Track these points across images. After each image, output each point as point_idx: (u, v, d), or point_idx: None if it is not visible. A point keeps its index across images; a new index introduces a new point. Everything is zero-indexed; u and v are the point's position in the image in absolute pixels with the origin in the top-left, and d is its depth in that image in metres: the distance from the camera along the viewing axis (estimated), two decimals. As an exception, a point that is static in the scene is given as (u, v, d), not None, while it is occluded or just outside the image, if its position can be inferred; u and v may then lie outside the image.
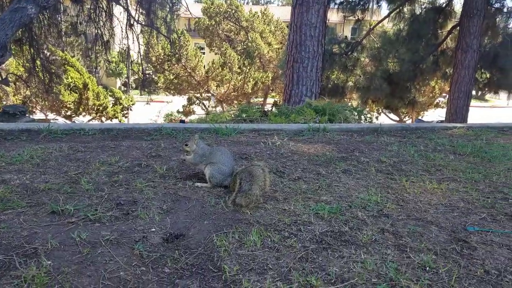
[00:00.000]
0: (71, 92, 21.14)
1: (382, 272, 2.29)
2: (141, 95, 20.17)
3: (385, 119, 22.16)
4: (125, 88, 33.83)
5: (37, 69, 12.50)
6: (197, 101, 24.70)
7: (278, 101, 21.60)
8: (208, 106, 24.78)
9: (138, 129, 5.54)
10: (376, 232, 2.77)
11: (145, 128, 5.58)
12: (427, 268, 2.33)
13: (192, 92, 24.38)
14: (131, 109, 24.94)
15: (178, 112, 22.65)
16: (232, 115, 8.34)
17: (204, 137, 5.32)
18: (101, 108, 21.74)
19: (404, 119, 22.41)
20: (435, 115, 24.83)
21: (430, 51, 13.72)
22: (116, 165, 3.93)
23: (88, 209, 2.89)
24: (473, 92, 13.84)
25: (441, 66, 14.16)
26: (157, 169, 3.87)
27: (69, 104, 21.02)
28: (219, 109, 23.26)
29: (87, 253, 2.35)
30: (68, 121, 22.54)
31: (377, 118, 20.67)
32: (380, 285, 2.16)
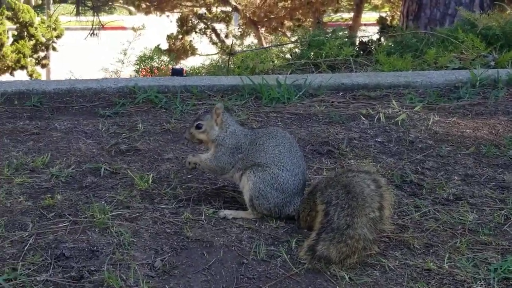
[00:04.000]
0: None
1: None
2: (77, 15, 20.59)
3: None
4: (40, 1, 35.01)
5: None
6: (201, 25, 24.75)
7: (389, 19, 21.11)
8: (227, 35, 24.75)
9: (85, 91, 5.76)
10: None
11: (99, 88, 5.79)
12: None
13: (189, 4, 24.45)
14: (54, 48, 25.72)
15: (157, 49, 22.70)
16: (289, 56, 8.33)
17: (232, 109, 5.40)
18: (-13, 47, 22.50)
19: None
20: None
21: None
22: (47, 171, 4.12)
23: (-3, 268, 3.09)
24: None
25: None
26: (134, 179, 4.02)
27: None
28: (250, 41, 23.21)
29: None
30: None
31: None
32: None
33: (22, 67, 23.94)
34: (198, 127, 3.71)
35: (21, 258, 3.18)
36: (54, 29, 25.08)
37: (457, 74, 6.26)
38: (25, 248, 3.26)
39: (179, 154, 4.46)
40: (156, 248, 3.30)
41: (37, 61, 24.86)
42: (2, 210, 3.65)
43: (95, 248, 3.27)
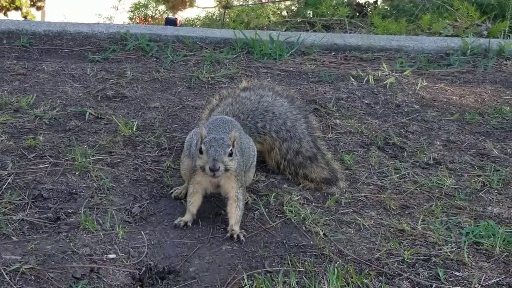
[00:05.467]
0: None
1: None
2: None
3: None
4: None
5: None
6: (200, -22, 24.58)
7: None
8: (225, -10, 24.70)
9: (76, 34, 5.71)
10: None
11: (90, 33, 5.74)
12: None
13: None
14: (51, -9, 25.40)
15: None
16: (285, 13, 8.28)
17: (223, 62, 5.38)
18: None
19: None
20: None
21: None
22: (31, 112, 4.11)
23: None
24: None
25: None
26: (119, 125, 4.01)
27: None
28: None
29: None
30: None
31: None
32: None
33: (17, 8, 23.54)
34: (230, 153, 2.98)
35: (-2, 197, 3.20)
36: (51, -29, 24.66)
37: (449, 41, 6.23)
38: (3, 187, 3.27)
39: (165, 104, 4.45)
40: (135, 195, 3.32)
41: (32, 3, 24.49)
42: (-17, 147, 3.65)
43: (74, 191, 3.29)
